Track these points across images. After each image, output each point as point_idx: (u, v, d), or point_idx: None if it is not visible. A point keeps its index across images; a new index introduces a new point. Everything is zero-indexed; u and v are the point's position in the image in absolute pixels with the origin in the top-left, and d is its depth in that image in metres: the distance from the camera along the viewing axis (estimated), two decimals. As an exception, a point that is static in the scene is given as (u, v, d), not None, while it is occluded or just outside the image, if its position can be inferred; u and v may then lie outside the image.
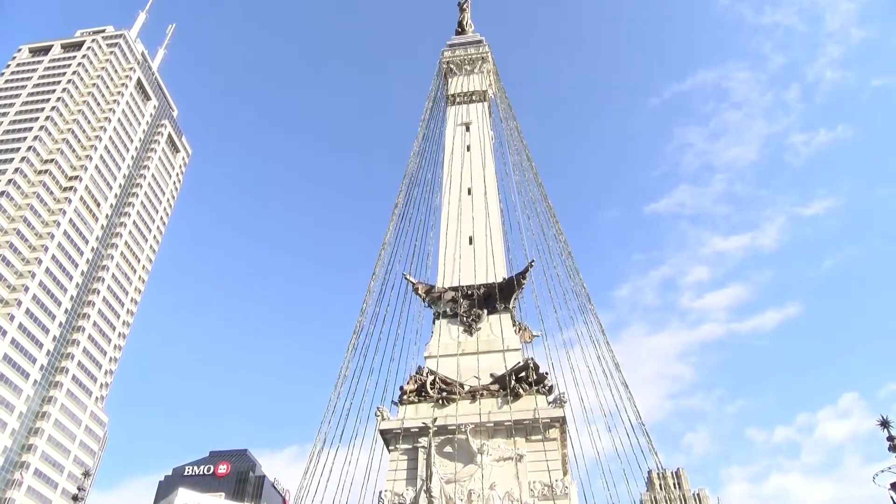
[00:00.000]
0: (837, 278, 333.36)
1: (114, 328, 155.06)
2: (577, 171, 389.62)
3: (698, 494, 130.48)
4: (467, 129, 52.21)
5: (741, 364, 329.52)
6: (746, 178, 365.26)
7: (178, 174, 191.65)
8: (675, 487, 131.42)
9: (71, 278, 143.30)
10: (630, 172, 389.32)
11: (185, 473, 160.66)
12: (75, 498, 30.57)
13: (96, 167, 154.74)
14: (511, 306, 40.00)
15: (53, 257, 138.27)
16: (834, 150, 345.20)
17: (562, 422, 33.38)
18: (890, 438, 22.61)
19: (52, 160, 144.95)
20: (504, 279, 40.69)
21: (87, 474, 35.60)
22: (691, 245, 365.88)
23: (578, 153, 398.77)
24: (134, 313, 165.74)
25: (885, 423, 22.86)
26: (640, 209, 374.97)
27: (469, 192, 46.90)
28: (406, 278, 41.82)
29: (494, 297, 39.24)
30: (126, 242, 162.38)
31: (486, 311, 39.06)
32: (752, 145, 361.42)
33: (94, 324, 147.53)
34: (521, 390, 33.90)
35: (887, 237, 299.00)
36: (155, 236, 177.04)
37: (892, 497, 21.70)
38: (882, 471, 22.37)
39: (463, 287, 40.25)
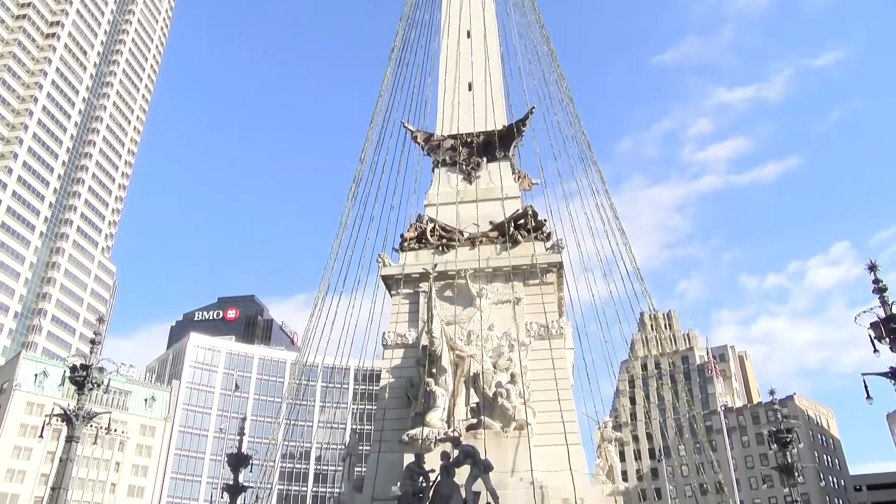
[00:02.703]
0: (842, 130, 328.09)
1: (113, 179, 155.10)
2: (581, 18, 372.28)
3: (688, 335, 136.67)
4: (466, -35, 49.15)
5: (738, 215, 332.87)
6: (756, 28, 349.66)
7: (165, 16, 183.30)
8: (665, 328, 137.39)
9: (65, 129, 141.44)
10: (637, 22, 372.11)
11: (196, 319, 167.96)
12: (92, 342, 31.96)
13: (77, 11, 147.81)
14: (510, 154, 39.75)
15: (44, 108, 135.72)
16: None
17: (559, 267, 34.29)
18: (875, 281, 23.25)
19: (28, 4, 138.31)
20: (504, 126, 40.09)
21: (101, 320, 37.11)
22: (695, 97, 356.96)
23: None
24: (132, 164, 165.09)
25: (872, 267, 23.42)
26: (646, 60, 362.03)
27: (468, 34, 45.02)
28: (404, 126, 41.21)
29: (494, 145, 38.88)
30: (118, 91, 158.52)
31: (485, 158, 38.85)
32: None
33: (93, 175, 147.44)
34: (519, 237, 34.53)
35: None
36: (146, 84, 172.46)
37: (870, 335, 22.62)
38: (864, 311, 23.16)
39: (462, 135, 39.77)
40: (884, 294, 22.71)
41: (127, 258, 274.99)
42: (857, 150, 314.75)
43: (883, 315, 22.37)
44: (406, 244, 36.06)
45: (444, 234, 35.62)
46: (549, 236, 35.56)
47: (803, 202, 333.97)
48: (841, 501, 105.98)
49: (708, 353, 73.79)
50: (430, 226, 36.01)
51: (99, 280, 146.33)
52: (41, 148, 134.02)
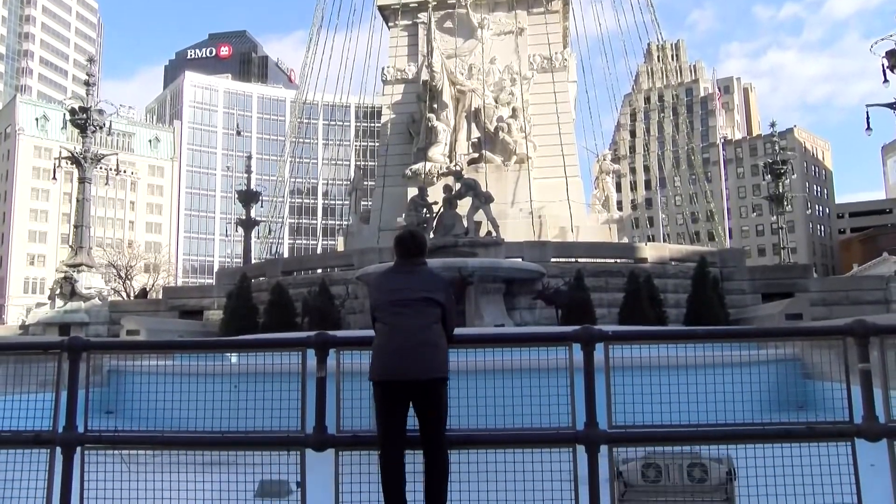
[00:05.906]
0: None
1: None
2: None
3: (694, 66, 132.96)
4: None
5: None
6: None
7: None
8: (672, 59, 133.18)
9: None
10: None
11: (189, 57, 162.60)
12: (87, 83, 31.49)
13: None
14: None
15: None
16: None
17: (565, -7, 32.47)
18: (901, 4, 22.04)
19: None
20: None
21: (91, 60, 35.94)
22: None
23: None
24: None
25: (901, -14, 22.02)
26: None
27: None
28: None
29: None
30: None
31: None
32: None
33: None
34: (524, -43, 32.15)
35: None
36: None
37: (883, 64, 22.09)
38: (882, 39, 22.35)
39: None
40: (906, 18, 21.67)
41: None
42: None
43: (901, 41, 21.58)
44: (402, -32, 33.68)
45: (442, -44, 33.07)
46: (556, -44, 33.11)
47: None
48: (823, 227, 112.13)
49: (713, 85, 72.71)
50: (428, -54, 33.31)
51: (82, 18, 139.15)
52: None
